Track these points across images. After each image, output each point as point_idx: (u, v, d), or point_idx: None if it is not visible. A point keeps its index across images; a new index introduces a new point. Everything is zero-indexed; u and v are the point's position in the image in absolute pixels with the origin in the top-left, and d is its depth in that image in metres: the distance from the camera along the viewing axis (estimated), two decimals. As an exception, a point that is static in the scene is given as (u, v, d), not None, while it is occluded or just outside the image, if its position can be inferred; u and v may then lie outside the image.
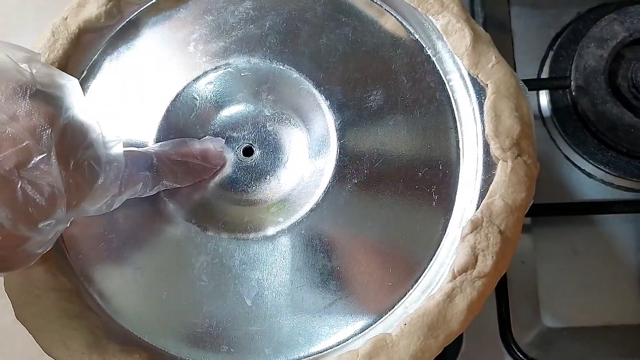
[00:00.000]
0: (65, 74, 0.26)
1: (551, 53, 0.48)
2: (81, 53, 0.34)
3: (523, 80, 0.46)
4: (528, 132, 0.30)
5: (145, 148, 0.30)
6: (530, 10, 0.49)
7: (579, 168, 0.46)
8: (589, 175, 0.46)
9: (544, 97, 0.48)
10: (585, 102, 0.44)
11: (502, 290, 0.44)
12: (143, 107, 0.33)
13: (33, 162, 0.22)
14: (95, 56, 0.34)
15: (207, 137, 0.32)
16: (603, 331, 0.44)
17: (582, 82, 0.44)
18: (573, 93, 0.45)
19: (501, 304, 0.44)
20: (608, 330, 0.44)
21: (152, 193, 0.29)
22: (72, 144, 0.24)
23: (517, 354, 0.42)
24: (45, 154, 0.22)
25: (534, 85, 0.46)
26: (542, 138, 0.47)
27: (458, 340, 0.44)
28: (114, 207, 0.27)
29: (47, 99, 0.24)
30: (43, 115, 0.23)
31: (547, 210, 0.44)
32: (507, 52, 0.49)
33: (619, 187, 0.46)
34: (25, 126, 0.22)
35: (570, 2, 0.49)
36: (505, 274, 0.45)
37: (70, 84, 0.25)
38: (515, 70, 0.48)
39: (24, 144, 0.22)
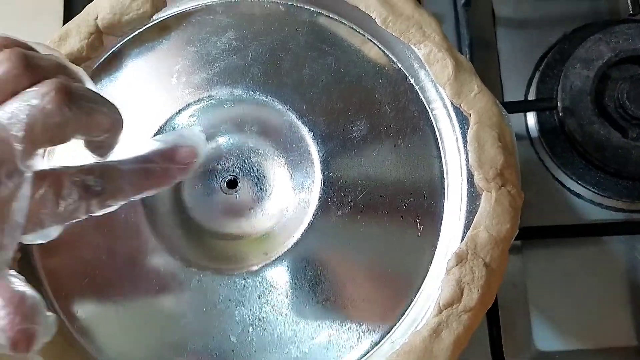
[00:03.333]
0: None
1: (538, 73, 0.48)
2: (63, 86, 0.33)
3: (509, 102, 0.47)
4: (511, 162, 0.30)
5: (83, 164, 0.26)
6: (516, 31, 0.49)
7: (568, 189, 0.46)
8: (578, 195, 0.46)
9: (531, 118, 0.48)
10: (572, 123, 0.44)
11: (493, 313, 0.44)
12: (125, 140, 0.32)
13: None
14: (78, 89, 0.34)
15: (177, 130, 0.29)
16: (596, 354, 0.43)
17: (568, 103, 0.45)
18: (560, 114, 0.45)
19: (492, 327, 0.43)
20: (601, 353, 0.43)
21: (100, 213, 0.25)
22: None
23: (509, 378, 0.42)
24: None
25: (521, 107, 0.46)
26: (530, 159, 0.47)
27: (450, 365, 0.44)
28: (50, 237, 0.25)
29: None
30: None
31: (537, 233, 0.44)
32: (493, 73, 0.49)
33: (608, 208, 0.46)
34: None
35: (556, 22, 0.49)
36: (497, 297, 0.45)
37: None
38: (502, 91, 0.49)
39: None
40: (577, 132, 0.44)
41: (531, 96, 0.48)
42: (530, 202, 0.46)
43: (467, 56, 0.47)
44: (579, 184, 0.45)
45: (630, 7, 0.45)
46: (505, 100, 0.48)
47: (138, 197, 0.26)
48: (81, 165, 0.25)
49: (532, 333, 0.44)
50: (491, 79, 0.49)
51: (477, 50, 0.48)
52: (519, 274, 0.45)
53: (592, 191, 0.45)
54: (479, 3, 0.49)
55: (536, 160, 0.48)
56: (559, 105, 0.45)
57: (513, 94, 0.48)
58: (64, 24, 0.50)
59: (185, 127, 0.31)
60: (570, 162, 0.46)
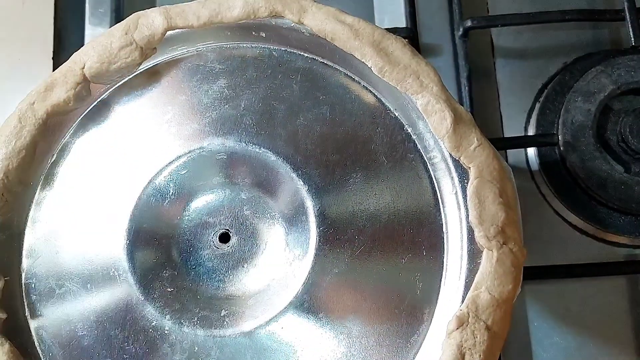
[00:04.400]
0: None
1: (538, 105, 0.47)
2: (50, 137, 0.32)
3: (509, 138, 0.46)
4: (513, 217, 0.29)
5: None
6: (516, 61, 0.49)
7: (570, 224, 0.45)
8: (580, 230, 0.45)
9: (531, 150, 0.47)
10: (573, 158, 0.43)
11: (494, 353, 0.43)
12: (114, 193, 0.31)
13: None
14: (66, 138, 0.33)
15: None
16: (600, 395, 0.43)
17: (569, 138, 0.44)
18: (561, 149, 0.44)
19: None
20: (605, 393, 0.43)
21: None
22: None
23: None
24: None
25: (521, 143, 0.45)
26: (530, 192, 0.47)
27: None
28: None
29: None
30: None
31: (538, 273, 0.43)
32: (492, 103, 0.48)
33: (611, 243, 0.45)
34: None
35: (556, 52, 0.48)
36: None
37: None
38: (501, 123, 0.48)
39: None
40: (578, 167, 0.43)
41: (531, 128, 0.47)
42: (531, 237, 0.45)
43: (466, 88, 0.46)
44: (581, 219, 0.44)
45: (632, 39, 0.45)
46: (505, 133, 0.47)
47: None
48: None
49: (534, 373, 0.43)
50: (490, 110, 0.48)
51: (475, 81, 0.47)
52: (521, 310, 0.44)
53: (595, 226, 0.44)
54: (477, 33, 0.48)
55: (536, 193, 0.47)
56: (560, 140, 0.44)
57: (513, 125, 0.48)
58: (54, 56, 0.50)
59: None
60: (572, 197, 0.45)
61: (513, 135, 0.46)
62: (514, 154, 0.47)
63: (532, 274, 0.42)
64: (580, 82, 0.45)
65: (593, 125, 0.44)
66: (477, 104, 0.46)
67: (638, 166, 0.43)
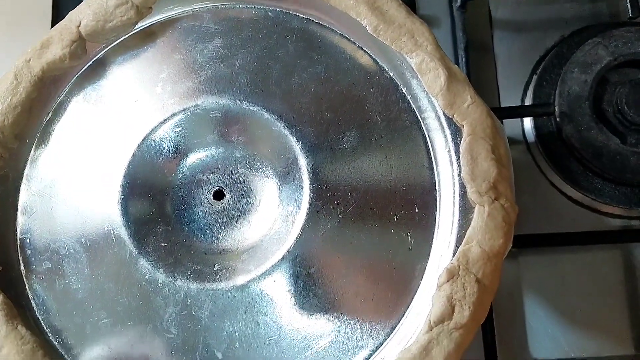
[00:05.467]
0: None
1: (535, 77, 0.47)
2: (46, 95, 0.32)
3: (506, 108, 0.46)
4: (505, 174, 0.29)
5: None
6: (513, 34, 0.48)
7: (565, 194, 0.46)
8: (575, 202, 0.45)
9: (528, 122, 0.47)
10: (569, 128, 0.43)
11: (488, 321, 0.43)
12: (109, 150, 0.32)
13: None
14: (61, 97, 0.33)
15: None
16: (592, 363, 0.43)
17: (566, 109, 0.44)
18: (557, 119, 0.44)
19: (487, 335, 0.43)
20: (597, 362, 0.43)
21: None
22: None
23: (504, 388, 0.41)
24: None
25: (517, 113, 0.45)
26: (526, 164, 0.47)
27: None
28: None
29: None
30: None
31: (533, 241, 0.43)
32: (490, 76, 0.48)
33: (606, 214, 0.45)
34: None
35: (554, 24, 0.48)
36: (492, 304, 0.44)
37: None
38: (498, 95, 0.48)
39: None
40: (574, 138, 0.43)
41: (528, 100, 0.47)
42: (527, 208, 0.46)
43: (463, 59, 0.46)
44: (577, 190, 0.45)
45: (629, 11, 0.44)
46: (502, 105, 0.47)
47: None
48: None
49: (527, 341, 0.43)
50: (487, 83, 0.48)
51: (473, 54, 0.47)
52: (515, 282, 0.45)
53: (590, 197, 0.44)
54: (475, 5, 0.48)
55: (533, 165, 0.47)
56: (556, 110, 0.44)
57: (510, 98, 0.47)
58: (52, 27, 0.49)
59: None
60: (568, 168, 0.45)
61: (509, 105, 0.46)
62: (510, 126, 0.47)
63: (527, 242, 0.43)
64: (577, 54, 0.45)
65: (589, 96, 0.44)
66: (474, 76, 0.46)
67: (634, 137, 0.43)
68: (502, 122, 0.45)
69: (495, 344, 0.43)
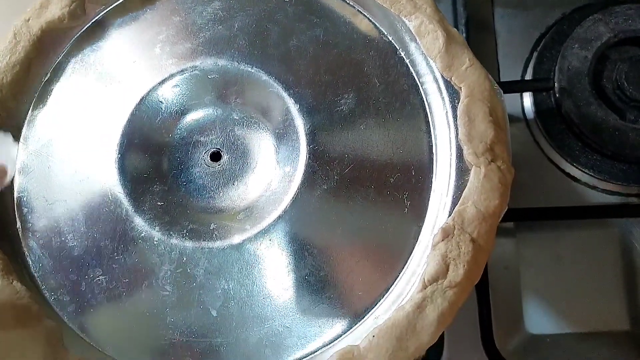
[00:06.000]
0: None
1: (535, 54, 0.47)
2: (44, 55, 0.32)
3: (505, 82, 0.46)
4: (502, 137, 0.29)
5: None
6: (514, 11, 0.48)
7: (563, 171, 0.46)
8: (573, 178, 0.45)
9: (527, 99, 0.47)
10: (569, 104, 0.43)
11: (484, 296, 0.43)
12: (107, 110, 0.32)
13: None
14: (60, 58, 0.33)
15: None
16: (587, 338, 0.43)
17: (565, 84, 0.44)
18: (557, 95, 0.44)
19: (483, 310, 0.43)
20: (592, 337, 0.43)
21: None
22: None
23: (498, 361, 0.41)
24: None
25: (517, 87, 0.45)
26: (525, 141, 0.47)
27: (439, 347, 0.43)
28: None
29: None
30: None
31: (530, 214, 0.43)
32: (490, 53, 0.48)
33: (603, 191, 0.45)
34: None
35: (555, 2, 0.48)
36: (488, 279, 0.44)
37: None
38: (498, 72, 0.48)
39: None
40: (573, 113, 0.43)
41: (528, 77, 0.47)
42: (525, 185, 0.46)
43: (464, 35, 0.46)
44: (575, 166, 0.45)
45: (630, -13, 0.44)
46: (501, 80, 0.47)
47: None
48: None
49: (523, 316, 0.44)
50: (488, 60, 0.48)
51: (473, 30, 0.47)
52: (512, 257, 0.45)
53: (588, 174, 0.44)
54: (476, -19, 0.48)
55: (531, 142, 0.47)
56: (555, 85, 0.44)
57: (510, 75, 0.47)
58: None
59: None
60: (566, 144, 0.45)
61: (509, 80, 0.46)
62: (509, 103, 0.46)
63: (523, 215, 0.43)
64: (577, 30, 0.44)
65: (589, 72, 0.44)
66: (474, 53, 0.46)
67: (633, 113, 0.43)
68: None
69: (491, 319, 0.43)
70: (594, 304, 0.44)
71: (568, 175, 0.45)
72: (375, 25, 0.32)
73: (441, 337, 0.42)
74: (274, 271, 0.29)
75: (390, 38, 0.32)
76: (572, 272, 0.44)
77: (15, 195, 0.31)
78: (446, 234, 0.27)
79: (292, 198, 0.29)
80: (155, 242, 0.30)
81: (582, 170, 0.44)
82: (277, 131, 0.31)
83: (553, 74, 0.44)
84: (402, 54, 0.31)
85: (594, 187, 0.45)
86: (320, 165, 0.30)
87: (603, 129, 0.43)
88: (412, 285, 0.28)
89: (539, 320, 0.43)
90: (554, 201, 0.45)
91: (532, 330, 0.43)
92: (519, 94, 0.47)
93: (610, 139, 0.43)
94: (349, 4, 0.32)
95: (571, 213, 0.43)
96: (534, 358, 0.43)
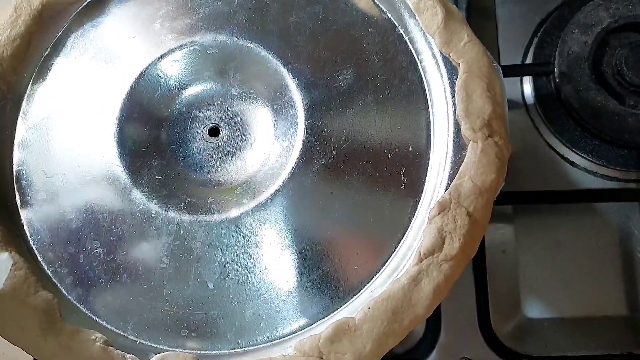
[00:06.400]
0: None
1: (535, 39, 0.47)
2: (44, 30, 0.33)
3: (505, 66, 0.46)
4: (500, 113, 0.29)
5: None
6: (515, -4, 0.48)
7: (562, 156, 0.46)
8: (572, 164, 0.45)
9: (527, 85, 0.47)
10: (568, 89, 0.43)
11: (481, 279, 0.43)
12: (107, 85, 0.32)
13: None
14: (60, 33, 0.33)
15: None
16: (584, 322, 0.43)
17: (565, 69, 0.44)
18: (556, 80, 0.44)
19: (480, 293, 0.43)
20: (589, 321, 0.43)
21: None
22: None
23: (496, 344, 0.41)
24: None
25: (516, 71, 0.45)
26: (525, 126, 0.47)
27: (436, 330, 0.43)
28: None
29: None
30: None
31: (528, 198, 0.43)
32: (491, 38, 0.48)
33: (602, 176, 0.45)
34: None
35: (556, -12, 0.48)
36: (485, 263, 0.44)
37: None
38: (499, 57, 0.48)
39: None
40: (573, 98, 0.43)
41: (528, 62, 0.47)
42: (524, 170, 0.46)
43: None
44: (574, 151, 0.45)
45: (631, -28, 0.44)
46: (501, 64, 0.47)
47: None
48: None
49: (520, 300, 0.44)
50: (488, 44, 0.47)
51: (475, 15, 0.47)
52: (510, 241, 0.45)
53: (587, 159, 0.44)
54: (477, -34, 0.48)
55: (531, 127, 0.47)
56: (555, 70, 0.44)
57: (510, 60, 0.47)
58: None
59: None
60: (566, 130, 0.45)
61: (509, 64, 0.46)
62: (509, 88, 0.46)
63: (521, 198, 0.43)
64: (578, 15, 0.44)
65: (589, 56, 0.44)
66: (475, 38, 0.46)
67: (632, 99, 0.43)
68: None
69: (488, 303, 0.43)
70: (591, 289, 0.44)
71: (567, 160, 0.45)
72: (374, 1, 0.32)
73: (438, 321, 0.43)
74: (271, 245, 0.29)
75: (389, 15, 0.32)
76: (570, 257, 0.44)
77: (15, 168, 0.32)
78: (442, 207, 0.27)
79: (290, 173, 0.30)
80: (153, 215, 0.30)
81: (581, 156, 0.44)
82: (275, 106, 0.31)
83: (553, 59, 0.44)
84: (401, 31, 0.31)
85: (592, 173, 0.45)
86: (318, 140, 0.30)
87: (602, 114, 0.43)
88: (408, 259, 0.28)
89: (536, 304, 0.43)
90: (553, 186, 0.45)
91: (530, 315, 0.43)
92: (519, 80, 0.47)
93: (610, 124, 0.43)
94: (348, -20, 0.32)
95: (569, 197, 0.43)
96: (531, 342, 0.43)
